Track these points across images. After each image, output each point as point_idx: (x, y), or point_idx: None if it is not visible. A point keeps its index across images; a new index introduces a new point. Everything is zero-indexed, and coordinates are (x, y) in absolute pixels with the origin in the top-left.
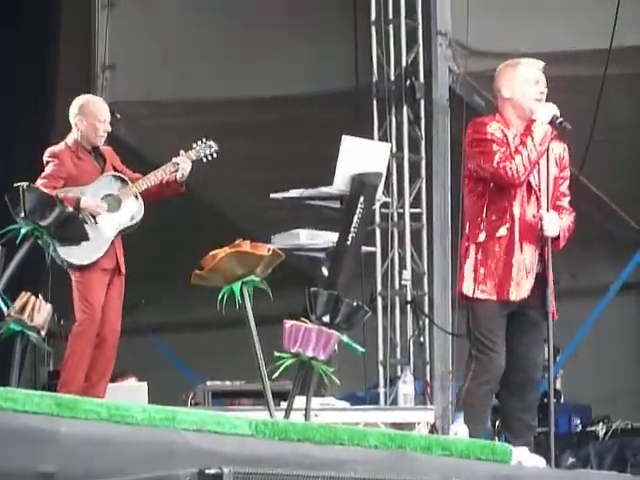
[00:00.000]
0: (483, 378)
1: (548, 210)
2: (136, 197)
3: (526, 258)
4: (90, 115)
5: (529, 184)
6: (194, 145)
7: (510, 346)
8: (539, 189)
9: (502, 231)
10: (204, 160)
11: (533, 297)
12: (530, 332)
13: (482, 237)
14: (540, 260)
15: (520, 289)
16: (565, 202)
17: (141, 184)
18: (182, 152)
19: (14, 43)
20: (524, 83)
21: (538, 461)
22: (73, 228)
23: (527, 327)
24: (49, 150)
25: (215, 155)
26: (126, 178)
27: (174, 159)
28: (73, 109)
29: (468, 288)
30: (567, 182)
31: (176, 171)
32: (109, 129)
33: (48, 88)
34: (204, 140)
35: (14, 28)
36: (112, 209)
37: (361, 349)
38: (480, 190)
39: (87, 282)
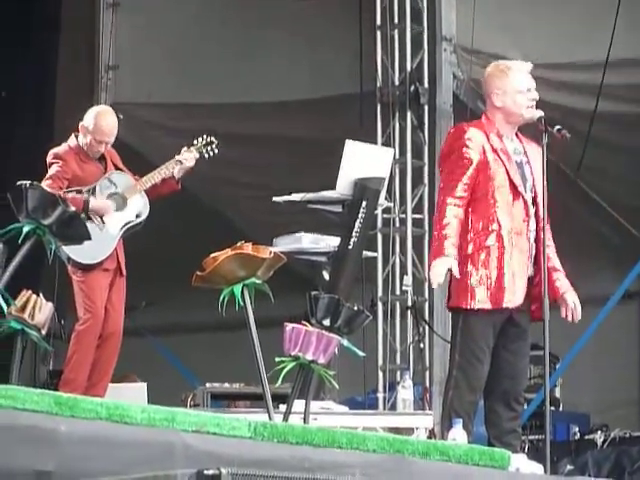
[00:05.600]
0: (465, 388)
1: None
2: (141, 195)
3: (517, 264)
4: (98, 132)
5: (515, 188)
6: (195, 142)
7: (496, 353)
8: (525, 192)
9: (490, 240)
10: (206, 156)
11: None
12: (517, 339)
13: (470, 249)
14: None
15: (515, 296)
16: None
17: (145, 182)
18: (185, 148)
19: (15, 42)
20: (516, 93)
21: (536, 468)
22: (75, 227)
23: (514, 334)
24: (52, 152)
25: (216, 151)
26: (129, 176)
27: (177, 156)
28: (89, 116)
29: (462, 300)
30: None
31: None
32: (111, 143)
33: (49, 87)
34: (204, 136)
35: (15, 27)
36: (118, 207)
37: (361, 353)
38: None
39: (90, 282)
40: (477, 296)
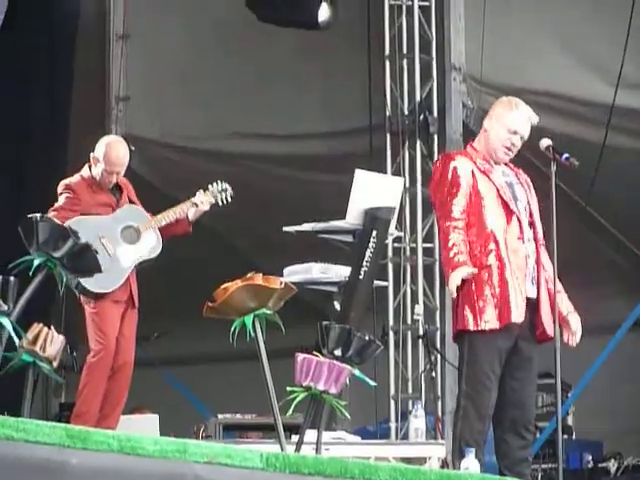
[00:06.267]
0: (474, 417)
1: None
2: (155, 232)
3: (517, 281)
4: (108, 163)
5: (507, 207)
6: (210, 187)
7: (502, 382)
8: (519, 211)
9: (490, 259)
10: (220, 203)
11: (524, 324)
12: (522, 367)
13: None
14: (532, 283)
15: (520, 311)
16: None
17: (160, 219)
18: (200, 191)
19: (28, 74)
20: (503, 128)
21: None
22: (86, 260)
23: (519, 362)
24: (63, 182)
25: (230, 199)
26: (145, 213)
27: (193, 199)
28: (99, 147)
29: (470, 323)
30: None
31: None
32: (122, 174)
33: (62, 118)
34: (220, 182)
35: (29, 60)
36: (131, 241)
37: (373, 383)
38: None
39: (102, 313)
40: (485, 316)
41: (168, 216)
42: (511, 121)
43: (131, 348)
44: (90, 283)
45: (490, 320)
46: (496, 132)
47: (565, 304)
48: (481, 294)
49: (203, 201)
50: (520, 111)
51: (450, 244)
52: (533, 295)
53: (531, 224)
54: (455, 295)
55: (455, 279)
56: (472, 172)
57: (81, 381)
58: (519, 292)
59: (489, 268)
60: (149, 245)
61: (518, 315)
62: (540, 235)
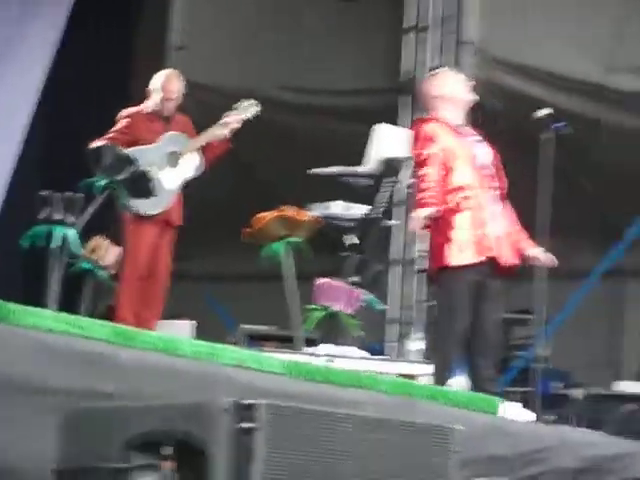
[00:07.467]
0: (450, 342)
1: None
2: (197, 152)
3: (486, 221)
4: (164, 89)
5: (475, 161)
6: (237, 104)
7: (472, 312)
8: (485, 165)
9: (463, 204)
10: (246, 118)
11: (491, 260)
12: (489, 299)
13: (445, 213)
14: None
15: (487, 248)
16: None
17: (201, 139)
18: (228, 113)
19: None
20: (450, 79)
21: (528, 416)
22: (144, 184)
23: (487, 294)
24: (123, 111)
25: (255, 114)
26: (187, 137)
27: (221, 121)
28: (156, 78)
29: (446, 259)
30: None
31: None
32: (178, 102)
33: (124, 66)
34: (245, 100)
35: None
36: (175, 165)
37: (383, 306)
38: None
39: (138, 232)
40: (456, 252)
41: (207, 137)
42: (450, 72)
43: (166, 262)
44: (140, 206)
45: (463, 257)
46: (447, 87)
47: (527, 242)
48: (453, 234)
49: (231, 121)
50: (446, 70)
51: (423, 187)
52: (499, 233)
53: (494, 176)
54: (415, 230)
55: (419, 216)
56: (442, 132)
57: (116, 292)
58: (487, 231)
59: (461, 211)
60: (193, 164)
61: (486, 251)
62: (504, 185)
